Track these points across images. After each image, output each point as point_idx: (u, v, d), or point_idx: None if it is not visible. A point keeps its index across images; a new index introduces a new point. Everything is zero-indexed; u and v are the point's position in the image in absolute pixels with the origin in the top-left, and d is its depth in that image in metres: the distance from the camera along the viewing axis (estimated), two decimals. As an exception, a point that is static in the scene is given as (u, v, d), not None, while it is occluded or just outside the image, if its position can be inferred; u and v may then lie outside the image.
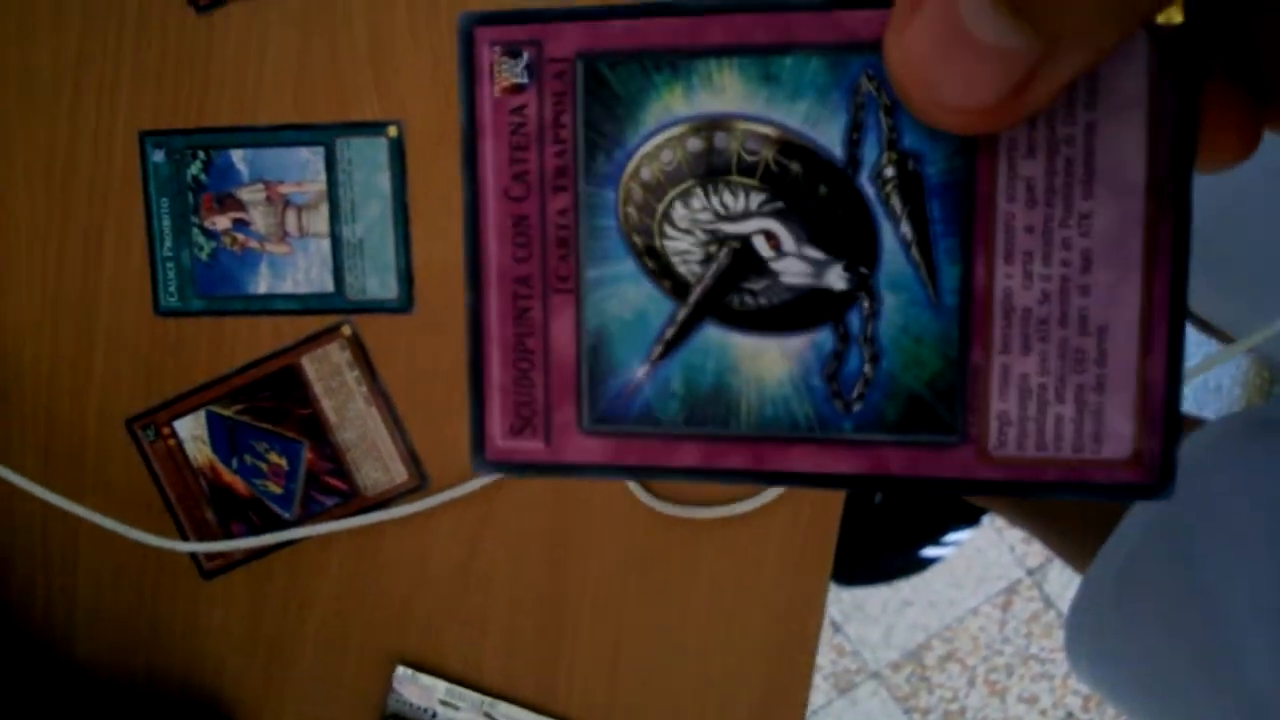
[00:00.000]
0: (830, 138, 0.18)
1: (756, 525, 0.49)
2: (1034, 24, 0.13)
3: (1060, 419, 0.18)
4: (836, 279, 0.19)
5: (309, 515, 0.50)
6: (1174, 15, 0.18)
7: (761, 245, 0.19)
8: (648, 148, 0.19)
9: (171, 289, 0.49)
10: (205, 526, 0.50)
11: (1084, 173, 0.17)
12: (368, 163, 0.48)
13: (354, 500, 0.50)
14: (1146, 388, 0.18)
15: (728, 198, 0.19)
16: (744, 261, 0.19)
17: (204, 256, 0.49)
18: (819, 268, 0.19)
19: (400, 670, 0.50)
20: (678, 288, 0.19)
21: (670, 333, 0.20)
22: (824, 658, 1.23)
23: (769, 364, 0.19)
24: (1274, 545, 0.50)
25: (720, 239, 0.19)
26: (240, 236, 0.49)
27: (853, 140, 0.18)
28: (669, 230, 0.19)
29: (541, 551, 0.50)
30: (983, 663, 1.24)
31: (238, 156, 0.49)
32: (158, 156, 0.49)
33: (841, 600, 1.23)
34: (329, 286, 0.49)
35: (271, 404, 0.49)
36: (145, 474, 0.51)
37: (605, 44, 0.19)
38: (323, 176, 0.48)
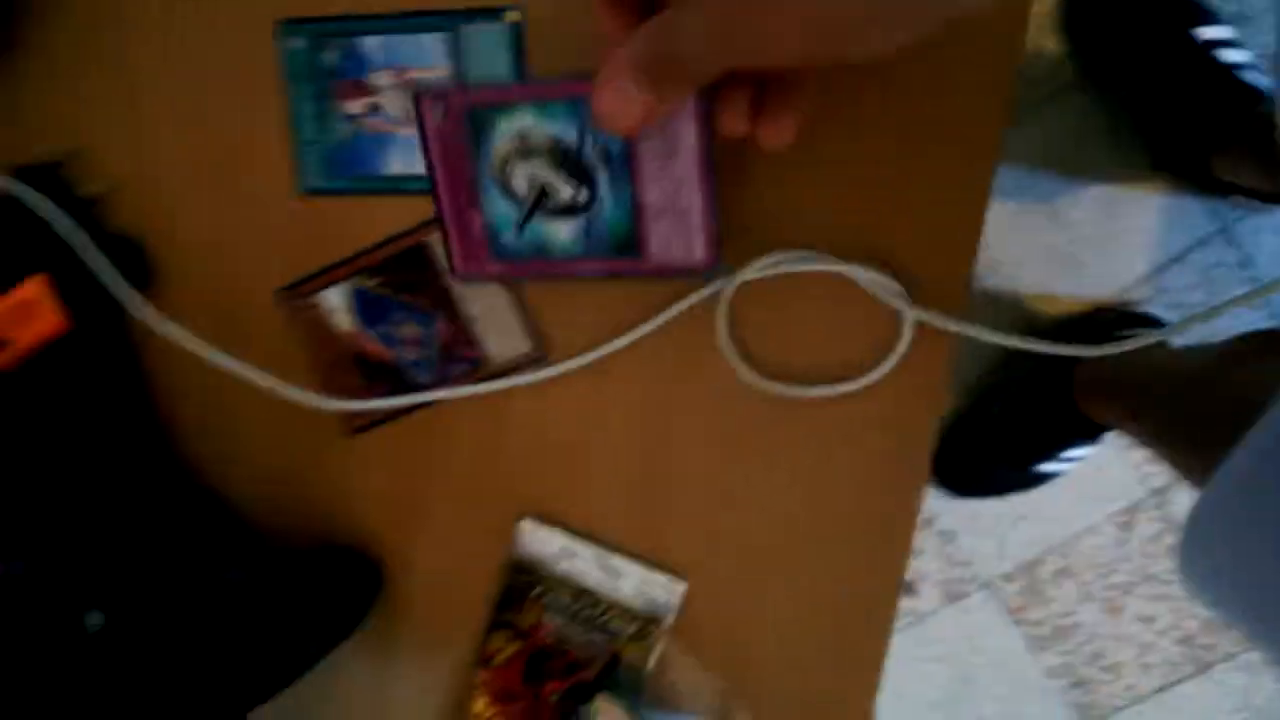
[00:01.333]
0: (571, 137, 0.45)
1: (854, 408, 0.51)
2: (656, 91, 0.33)
3: (677, 243, 0.46)
4: (583, 194, 0.46)
5: (442, 380, 0.54)
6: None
7: (549, 184, 0.46)
8: (499, 144, 0.46)
9: (315, 169, 0.53)
10: (350, 388, 0.55)
11: (673, 143, 0.43)
12: (489, 48, 0.50)
13: (482, 368, 0.54)
14: (706, 230, 0.46)
15: (535, 164, 0.46)
16: (544, 191, 0.47)
17: (343, 138, 0.53)
18: (575, 190, 0.46)
19: (524, 523, 0.54)
20: (520, 203, 0.47)
21: (521, 220, 0.48)
22: (934, 565, 1.24)
23: (562, 231, 0.48)
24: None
25: (535, 182, 0.46)
26: (375, 120, 0.52)
27: (581, 135, 0.45)
28: (513, 179, 0.47)
29: (652, 421, 0.53)
30: (1099, 579, 1.22)
31: (371, 43, 0.51)
32: (296, 43, 0.52)
33: (955, 511, 1.23)
34: (455, 167, 0.51)
35: (408, 277, 0.53)
36: (294, 341, 0.55)
37: (480, 101, 0.45)
38: (447, 62, 0.51)
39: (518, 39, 0.50)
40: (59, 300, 0.51)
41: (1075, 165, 1.14)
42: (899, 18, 0.30)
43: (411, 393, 0.53)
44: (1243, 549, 0.58)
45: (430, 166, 0.47)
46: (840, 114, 0.49)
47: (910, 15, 0.30)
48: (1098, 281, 1.17)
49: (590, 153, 0.44)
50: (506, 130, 0.45)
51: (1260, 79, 1.04)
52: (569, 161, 0.45)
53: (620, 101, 0.33)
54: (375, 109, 0.52)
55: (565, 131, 0.44)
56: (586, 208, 0.46)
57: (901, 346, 0.49)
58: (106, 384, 0.54)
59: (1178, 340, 1.14)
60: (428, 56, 0.51)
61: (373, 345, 0.54)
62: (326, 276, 0.54)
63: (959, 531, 1.23)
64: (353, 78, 0.52)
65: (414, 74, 0.51)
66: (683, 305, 0.50)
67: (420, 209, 0.52)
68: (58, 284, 0.51)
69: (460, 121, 0.45)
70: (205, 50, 0.53)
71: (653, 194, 0.45)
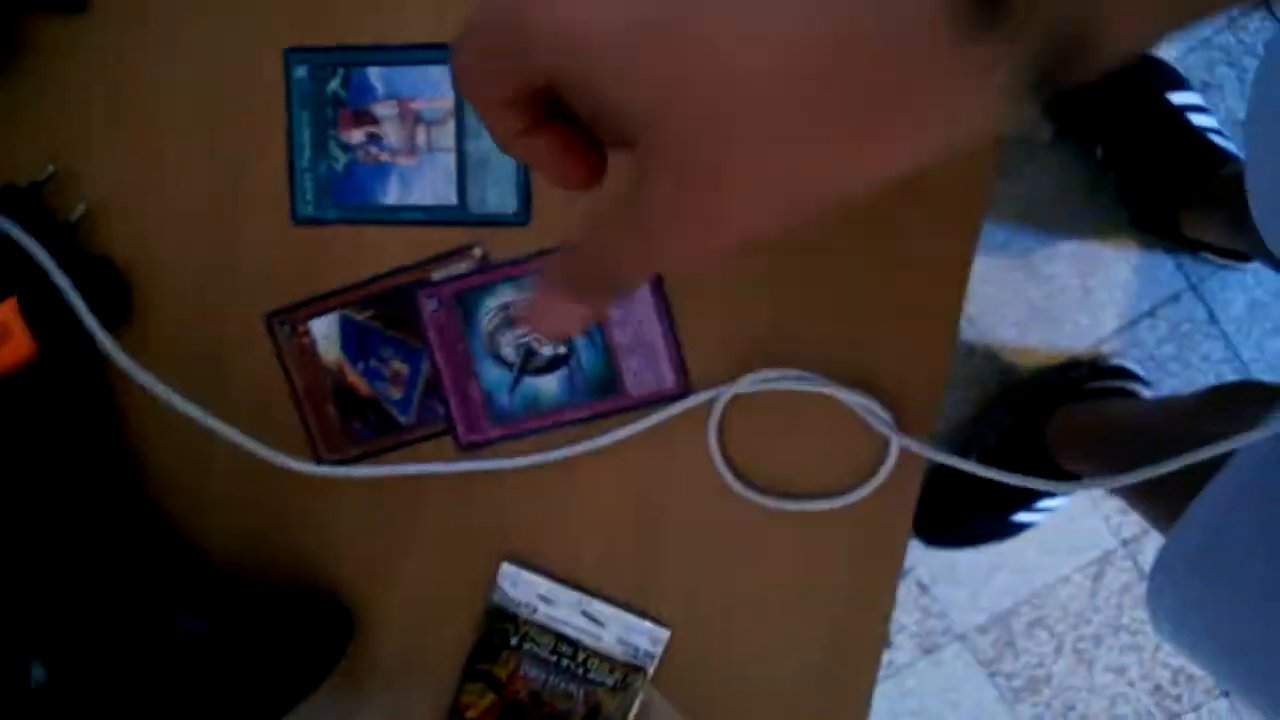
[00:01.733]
0: None
1: (828, 522, 0.52)
2: (591, 304, 0.29)
3: (649, 375, 0.52)
4: (563, 349, 0.52)
5: (425, 421, 0.53)
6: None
7: (534, 345, 0.52)
8: (487, 319, 0.52)
9: (309, 198, 0.53)
10: (327, 420, 0.54)
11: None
12: (494, 81, 0.50)
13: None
14: (670, 360, 0.51)
15: (518, 330, 0.52)
16: (530, 352, 0.52)
17: (339, 168, 0.52)
18: (556, 347, 0.52)
19: (505, 567, 0.53)
20: (509, 366, 0.52)
21: (512, 382, 0.53)
22: (909, 617, 1.23)
23: (549, 384, 0.52)
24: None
25: (520, 345, 0.52)
26: (373, 150, 0.52)
27: None
28: (502, 347, 0.52)
29: (641, 476, 0.52)
30: (1071, 630, 1.22)
31: (375, 74, 0.51)
32: (301, 72, 0.52)
33: (930, 562, 1.23)
34: (452, 199, 0.51)
35: (399, 313, 0.52)
36: (277, 367, 0.53)
37: (466, 287, 0.51)
38: (451, 94, 0.51)
39: (521, 74, 0.50)
40: (28, 326, 0.50)
41: (1052, 222, 1.17)
42: (867, 169, 0.23)
43: (388, 430, 0.53)
44: (1209, 591, 0.59)
45: (430, 350, 0.53)
46: (830, 238, 0.50)
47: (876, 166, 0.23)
48: (1073, 335, 1.19)
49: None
50: (491, 306, 0.52)
51: (1227, 143, 1.07)
52: None
53: (554, 322, 0.30)
54: (375, 139, 0.52)
55: None
56: (567, 360, 0.52)
57: (885, 470, 0.50)
58: (73, 417, 0.53)
59: (1148, 393, 1.16)
60: (433, 88, 0.51)
61: (355, 379, 0.53)
62: (318, 305, 0.53)
63: (935, 582, 1.23)
64: (354, 107, 0.52)
65: (418, 104, 0.51)
66: (673, 411, 0.51)
67: (416, 240, 0.52)
68: (29, 310, 0.50)
69: (452, 307, 0.52)
70: (211, 75, 0.53)
71: (621, 335, 0.51)
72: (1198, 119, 1.08)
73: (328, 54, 0.52)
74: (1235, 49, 1.13)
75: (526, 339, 0.52)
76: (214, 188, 0.53)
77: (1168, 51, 1.12)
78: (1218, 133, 1.09)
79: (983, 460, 1.18)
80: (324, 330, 0.53)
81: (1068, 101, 1.18)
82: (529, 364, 0.52)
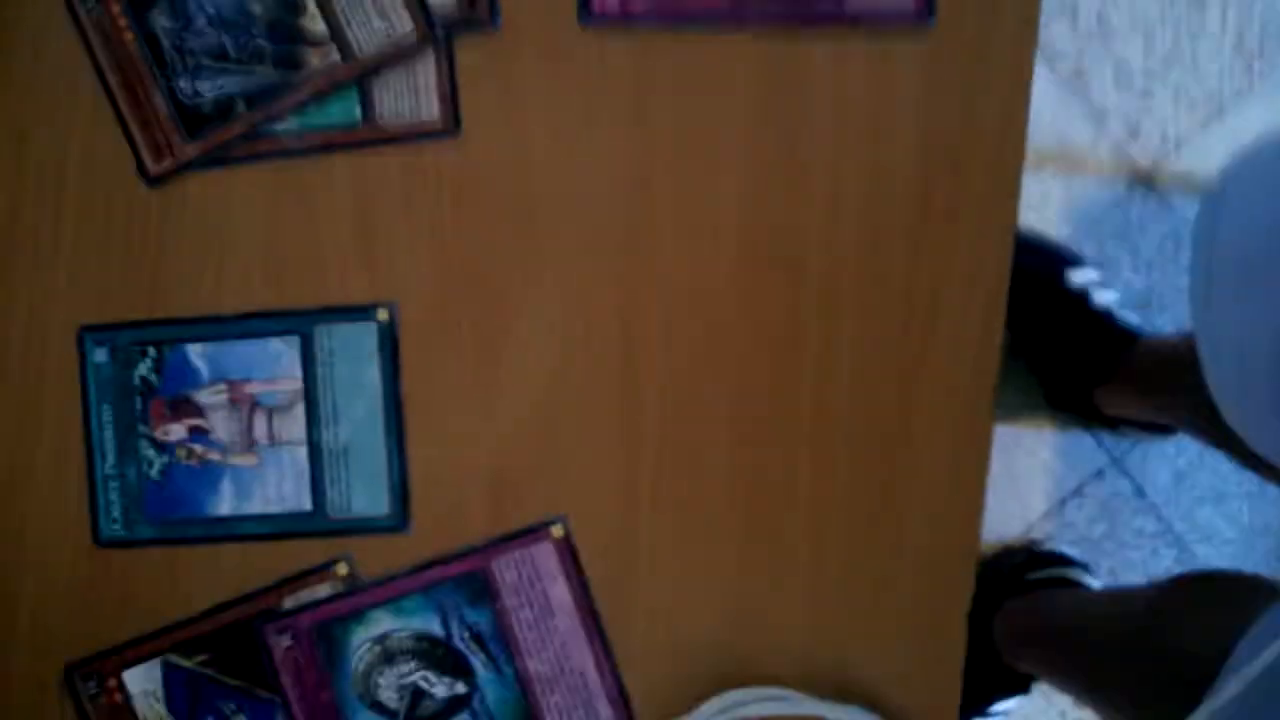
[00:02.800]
0: (435, 627, 0.41)
1: None
2: None
3: (579, 714, 0.41)
4: (462, 687, 0.41)
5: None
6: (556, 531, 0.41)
7: (423, 685, 0.41)
8: (358, 657, 0.41)
9: (115, 514, 0.42)
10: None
11: (545, 603, 0.41)
12: (353, 353, 0.41)
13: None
14: (608, 690, 0.41)
15: (401, 668, 0.41)
16: (419, 693, 0.41)
17: (154, 474, 0.42)
18: (451, 685, 0.41)
19: None
20: (392, 715, 0.41)
21: None
22: None
23: None
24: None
25: (404, 686, 0.41)
26: (198, 448, 0.41)
27: (446, 624, 0.41)
28: (380, 691, 0.41)
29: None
30: None
31: (195, 352, 0.41)
32: (100, 355, 0.42)
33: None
34: (306, 504, 0.41)
35: (242, 656, 0.41)
36: None
37: (327, 615, 0.41)
38: (298, 372, 0.41)
39: (390, 343, 0.41)
40: None
41: (970, 408, 1.13)
42: None
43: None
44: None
45: (286, 701, 0.41)
46: (802, 526, 0.42)
47: None
48: (1003, 521, 1.14)
49: (460, 639, 0.41)
50: (364, 639, 0.41)
51: (1131, 316, 1.07)
52: (439, 654, 0.41)
53: None
54: (200, 433, 0.41)
55: (427, 624, 0.41)
56: (468, 700, 0.41)
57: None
58: None
59: (1090, 579, 1.11)
60: (273, 366, 0.41)
61: (190, 749, 0.40)
62: (133, 650, 0.42)
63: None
64: (170, 395, 0.41)
65: (253, 387, 0.41)
66: None
67: (261, 560, 0.41)
68: None
69: (312, 642, 0.41)
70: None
71: (538, 663, 0.41)
72: (1100, 296, 1.08)
73: (135, 331, 0.41)
74: (1123, 224, 1.15)
75: (413, 677, 0.40)
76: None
77: (1059, 232, 1.13)
78: (1121, 307, 1.09)
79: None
80: (141, 683, 0.43)
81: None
82: (418, 710, 0.41)
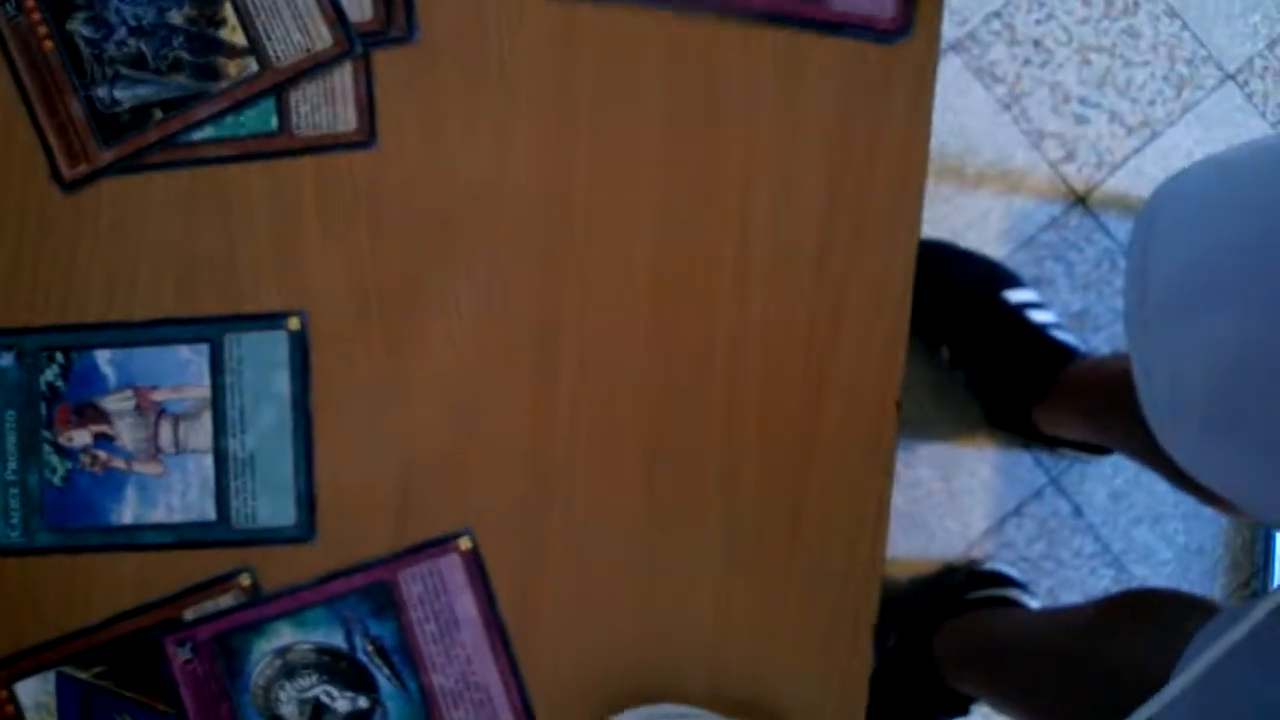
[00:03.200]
0: (338, 640, 0.40)
1: None
2: None
3: None
4: (364, 702, 0.40)
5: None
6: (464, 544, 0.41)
7: (325, 699, 0.40)
8: (258, 670, 0.40)
9: (14, 520, 0.41)
10: (42, 829, 0.39)
11: (450, 616, 0.40)
12: (262, 361, 0.40)
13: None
14: (514, 706, 0.40)
15: (302, 682, 0.40)
16: (320, 707, 0.40)
17: (56, 480, 0.40)
18: (354, 700, 0.40)
19: None
20: None
21: None
22: None
23: None
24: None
25: (305, 700, 0.40)
26: (102, 455, 0.40)
27: (349, 637, 0.40)
28: (280, 706, 0.40)
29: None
30: None
31: (103, 358, 0.40)
32: (5, 360, 0.41)
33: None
34: (210, 514, 0.40)
35: (140, 668, 0.40)
36: None
37: (228, 627, 0.40)
38: (207, 380, 0.40)
39: (300, 351, 0.40)
40: None
41: (912, 426, 1.14)
42: None
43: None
44: None
45: (183, 715, 0.40)
46: (709, 542, 0.42)
47: None
48: (943, 541, 1.15)
49: (363, 652, 0.40)
50: (265, 651, 0.40)
51: (1067, 337, 1.08)
52: (341, 668, 0.40)
53: None
54: (105, 440, 0.40)
55: (330, 636, 0.40)
56: (369, 715, 0.40)
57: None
58: None
59: (1029, 599, 1.12)
60: (180, 373, 0.40)
61: (83, 763, 0.39)
62: (25, 661, 0.41)
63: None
64: (76, 401, 0.40)
65: (161, 394, 0.40)
66: None
67: (161, 570, 0.40)
68: None
69: (212, 655, 0.40)
70: None
71: (442, 678, 0.40)
72: (1037, 315, 1.09)
73: (42, 335, 0.41)
74: (1060, 245, 1.16)
75: (315, 691, 0.39)
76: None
77: (997, 251, 1.14)
78: (1057, 327, 1.10)
79: (871, 691, 1.09)
80: (34, 695, 0.41)
81: (916, 303, 1.16)
82: None
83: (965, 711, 1.11)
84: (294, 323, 0.40)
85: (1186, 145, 1.17)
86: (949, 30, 1.13)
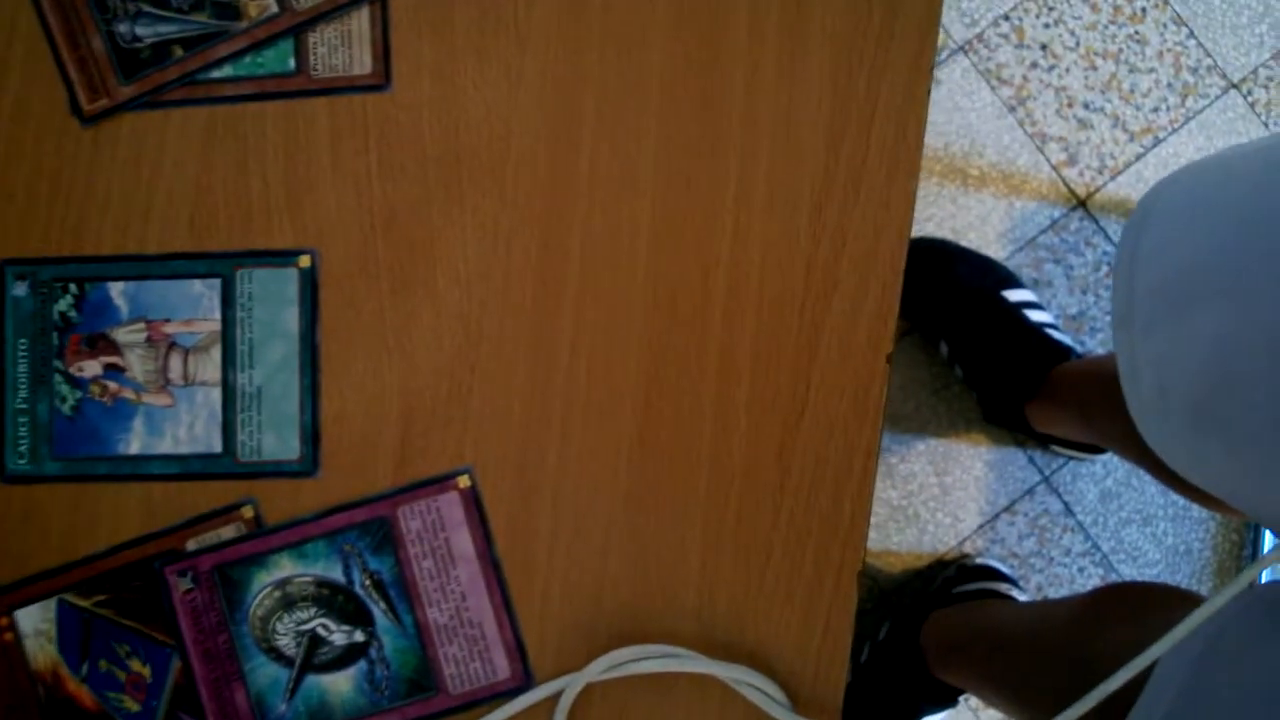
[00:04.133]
0: (336, 573, 0.40)
1: None
2: None
3: (476, 665, 0.41)
4: (360, 635, 0.40)
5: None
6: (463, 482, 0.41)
7: (322, 631, 0.40)
8: (257, 601, 0.40)
9: (22, 448, 0.41)
10: (38, 750, 0.39)
11: (447, 552, 0.41)
12: (272, 297, 0.41)
13: None
14: (505, 642, 0.41)
15: (300, 614, 0.40)
16: (315, 639, 0.40)
17: (66, 409, 0.41)
18: (350, 633, 0.40)
19: None
20: (288, 661, 0.40)
21: (291, 682, 0.40)
22: None
23: (342, 683, 0.40)
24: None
25: (302, 632, 0.40)
26: (112, 385, 0.41)
27: (348, 571, 0.40)
28: (278, 637, 0.40)
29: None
30: None
31: (116, 290, 0.41)
32: (19, 289, 0.41)
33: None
34: (216, 446, 0.40)
35: (140, 596, 0.40)
36: None
37: (229, 558, 0.40)
38: (217, 313, 0.41)
39: (310, 288, 0.41)
40: None
41: (907, 422, 1.14)
42: None
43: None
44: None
45: (182, 644, 0.40)
46: (698, 487, 0.42)
47: None
48: (935, 536, 1.15)
49: (361, 586, 0.40)
50: (265, 583, 0.40)
51: (1063, 337, 1.09)
52: (339, 602, 0.40)
53: None
54: (115, 371, 0.41)
55: (329, 570, 0.40)
56: (365, 648, 0.40)
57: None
58: None
59: (1017, 593, 1.12)
60: (192, 306, 0.41)
61: (76, 688, 0.40)
62: (26, 589, 0.41)
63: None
64: (88, 331, 0.41)
65: (172, 327, 0.41)
66: (510, 711, 0.40)
67: (167, 500, 0.41)
68: None
69: (212, 586, 0.40)
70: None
71: (437, 613, 0.40)
72: (1034, 315, 1.10)
73: (57, 265, 0.41)
74: (1060, 247, 1.17)
75: (312, 624, 0.40)
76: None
77: (997, 252, 1.15)
78: (1054, 327, 1.11)
79: (859, 682, 1.10)
80: (33, 622, 0.41)
81: (913, 300, 1.18)
82: (315, 656, 0.40)
83: (953, 702, 1.11)
84: (305, 260, 0.41)
85: (1188, 152, 1.18)
86: (958, 32, 1.14)
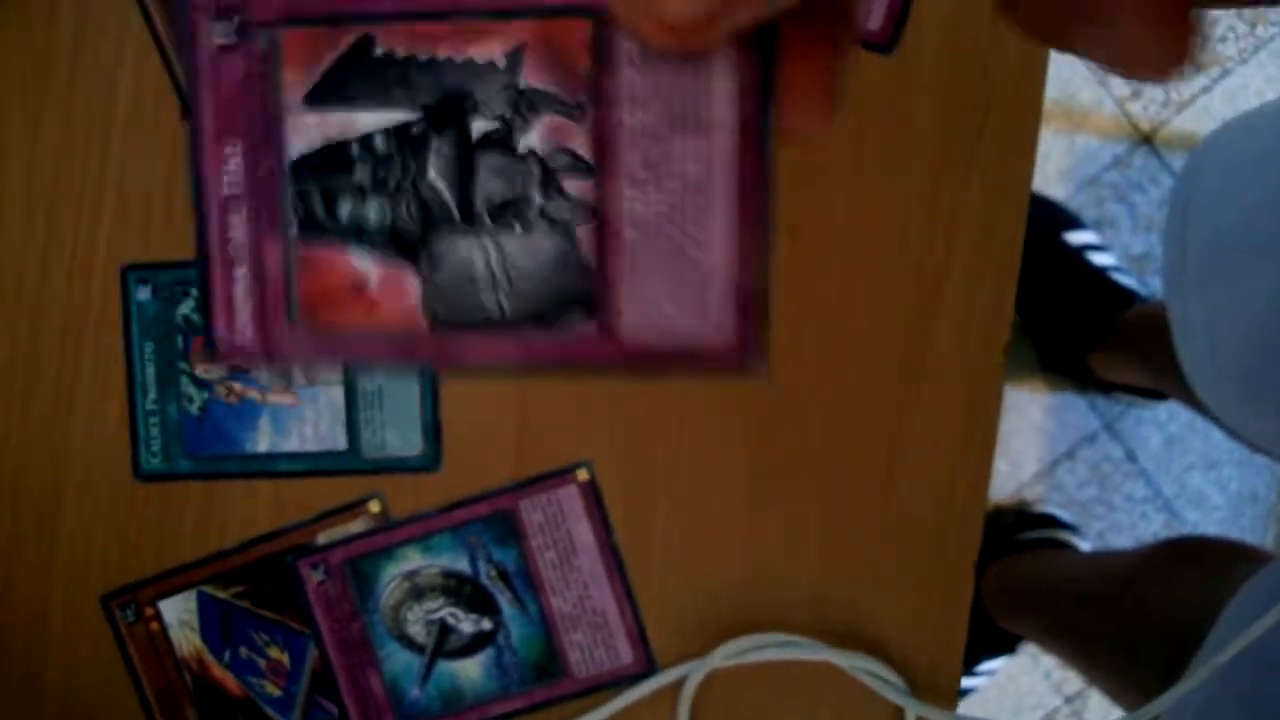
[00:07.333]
0: (462, 565, 0.42)
1: None
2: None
3: (600, 651, 0.42)
4: (487, 624, 0.42)
5: (310, 720, 0.42)
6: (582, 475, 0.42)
7: (450, 620, 0.42)
8: (388, 592, 0.42)
9: (155, 448, 0.42)
10: (188, 733, 0.42)
11: (569, 542, 0.42)
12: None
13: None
14: (628, 629, 0.42)
15: (429, 604, 0.42)
16: (445, 628, 0.42)
17: (194, 410, 0.42)
18: (477, 621, 0.42)
19: None
20: (419, 648, 0.42)
21: (424, 668, 0.42)
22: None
23: (472, 669, 0.42)
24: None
25: (432, 621, 0.42)
26: (237, 386, 0.42)
27: (473, 562, 0.42)
28: (409, 625, 0.42)
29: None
30: (1026, 799, 1.14)
31: (236, 293, 0.42)
32: (143, 294, 0.42)
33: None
34: (341, 443, 0.42)
35: (275, 588, 0.42)
36: (119, 664, 0.43)
37: (359, 551, 0.42)
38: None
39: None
40: None
41: (969, 370, 1.14)
42: None
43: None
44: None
45: (317, 633, 0.42)
46: (814, 483, 0.43)
47: None
48: (994, 482, 1.15)
49: (486, 577, 0.42)
50: (394, 575, 0.42)
51: (1128, 279, 1.07)
52: (465, 591, 0.42)
53: None
54: (240, 372, 0.42)
55: (455, 561, 0.42)
56: (493, 636, 0.42)
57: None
58: None
59: (1080, 541, 1.13)
60: (308, 308, 0.42)
61: (221, 674, 0.42)
62: (169, 581, 0.43)
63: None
64: (210, 334, 0.42)
65: (290, 329, 0.42)
66: (634, 696, 0.42)
67: (296, 496, 0.42)
68: None
69: (343, 577, 0.42)
70: (30, 298, 0.42)
71: (561, 602, 0.42)
72: (1097, 258, 1.08)
73: (179, 269, 0.42)
74: (1123, 185, 1.14)
75: (441, 613, 0.41)
76: (38, 434, 0.43)
77: (1058, 191, 1.13)
78: (1119, 270, 1.09)
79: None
80: (178, 613, 0.43)
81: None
82: (445, 644, 0.42)
83: (1012, 650, 1.13)
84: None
85: (1257, 84, 1.15)
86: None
